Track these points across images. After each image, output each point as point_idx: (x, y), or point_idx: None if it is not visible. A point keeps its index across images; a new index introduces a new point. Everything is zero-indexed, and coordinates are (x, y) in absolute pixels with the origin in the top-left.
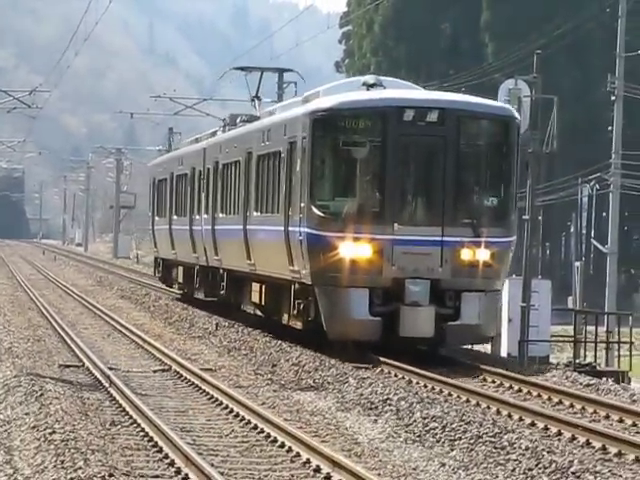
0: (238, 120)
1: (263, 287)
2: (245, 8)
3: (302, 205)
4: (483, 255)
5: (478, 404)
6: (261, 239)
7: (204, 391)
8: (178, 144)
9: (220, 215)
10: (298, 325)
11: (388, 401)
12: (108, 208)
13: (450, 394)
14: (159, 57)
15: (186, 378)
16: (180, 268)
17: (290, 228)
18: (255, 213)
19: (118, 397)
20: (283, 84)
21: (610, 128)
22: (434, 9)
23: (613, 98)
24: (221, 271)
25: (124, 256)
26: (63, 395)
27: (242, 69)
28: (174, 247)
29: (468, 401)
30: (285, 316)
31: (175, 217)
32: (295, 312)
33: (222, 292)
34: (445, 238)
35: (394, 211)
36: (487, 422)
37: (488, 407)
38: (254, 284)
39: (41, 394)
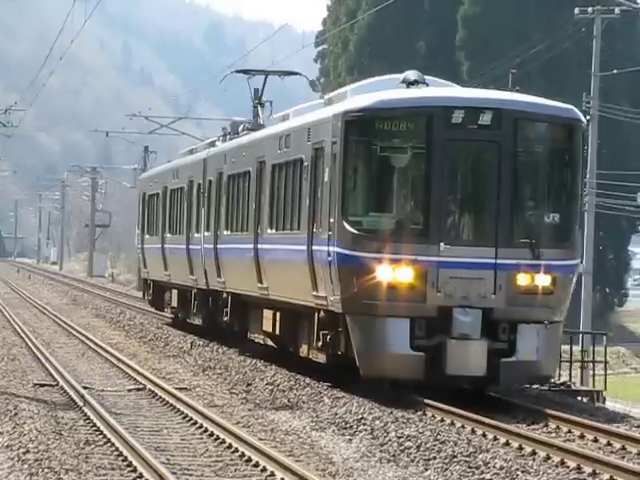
0: (241, 128)
1: (277, 314)
2: (220, 26)
3: (332, 221)
4: (543, 280)
5: (453, 423)
6: (277, 260)
7: (179, 410)
8: (153, 163)
9: (225, 233)
10: (321, 359)
11: (363, 420)
12: (83, 227)
13: (425, 413)
14: (134, 75)
15: (161, 397)
16: (174, 291)
17: (315, 247)
18: (269, 230)
19: (92, 416)
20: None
21: (585, 147)
22: (409, 28)
23: (588, 117)
24: (224, 295)
25: (99, 275)
26: (37, 414)
27: (245, 72)
28: (167, 268)
29: (443, 420)
30: (304, 348)
31: (169, 235)
32: (319, 344)
33: (225, 319)
34: (499, 260)
35: (440, 228)
36: (462, 442)
37: (463, 426)
38: (266, 311)
39: (15, 413)
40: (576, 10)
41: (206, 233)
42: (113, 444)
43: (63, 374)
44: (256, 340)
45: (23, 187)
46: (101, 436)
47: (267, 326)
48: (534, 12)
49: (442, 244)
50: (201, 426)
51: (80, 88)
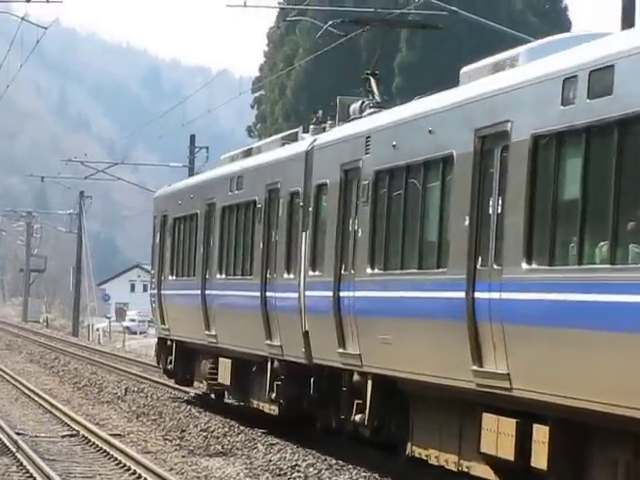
0: (355, 108)
1: (539, 430)
2: (158, 71)
3: None
4: None
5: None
6: (545, 324)
7: (112, 456)
8: (89, 208)
9: (368, 271)
10: None
11: (297, 467)
12: (18, 271)
13: (360, 459)
14: (71, 120)
15: (94, 443)
16: (224, 361)
17: None
18: (526, 265)
19: (25, 462)
20: (195, 148)
21: None
22: (347, 74)
23: None
24: (357, 378)
25: (34, 320)
26: None
27: (360, 23)
28: (211, 326)
29: (377, 467)
30: None
31: (219, 277)
32: None
33: (356, 417)
34: None
35: None
36: None
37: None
38: (497, 419)
39: None
40: None
41: (312, 273)
42: None
43: None
44: (433, 462)
45: None
46: None
47: (497, 446)
48: (472, 59)
49: None
50: (135, 472)
51: (16, 132)
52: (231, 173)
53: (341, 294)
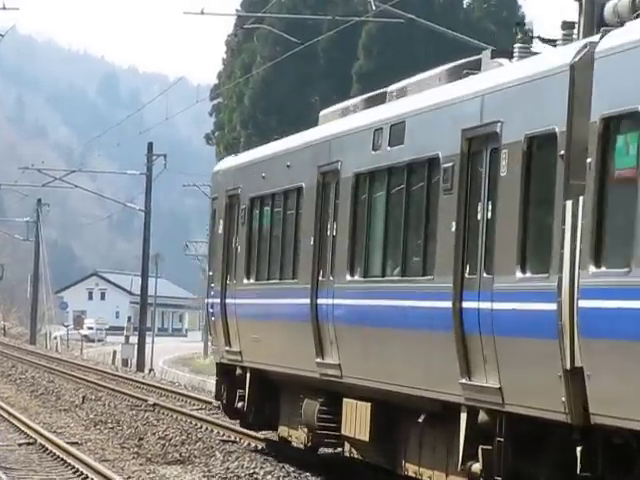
0: None
1: None
2: (115, 78)
3: None
4: None
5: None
6: None
7: (69, 465)
8: (47, 215)
9: None
10: None
11: (254, 475)
12: None
13: (319, 467)
14: (28, 127)
15: (51, 452)
16: (358, 405)
17: None
18: None
19: None
20: (152, 156)
21: None
22: (304, 82)
23: None
24: None
25: None
26: None
27: None
28: (329, 351)
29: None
30: None
31: (350, 278)
32: None
33: None
34: None
35: None
36: None
37: None
38: None
39: None
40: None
41: (596, 269)
42: None
43: None
44: None
45: None
46: None
47: None
48: (430, 67)
49: None
50: None
51: None
52: (376, 122)
53: None
